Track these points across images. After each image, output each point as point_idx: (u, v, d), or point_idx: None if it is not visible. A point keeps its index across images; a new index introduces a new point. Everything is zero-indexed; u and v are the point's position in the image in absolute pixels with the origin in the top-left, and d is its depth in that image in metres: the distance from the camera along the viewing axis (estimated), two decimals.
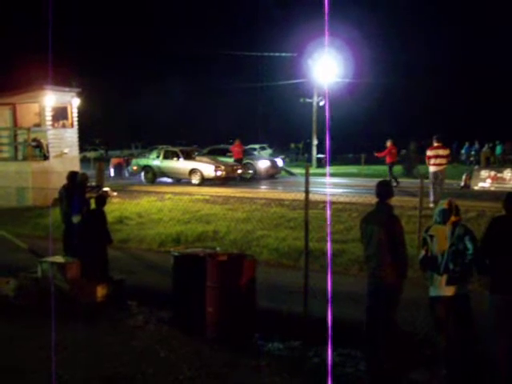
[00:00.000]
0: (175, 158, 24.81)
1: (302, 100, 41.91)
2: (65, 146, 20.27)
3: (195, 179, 23.94)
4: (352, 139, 53.01)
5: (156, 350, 7.12)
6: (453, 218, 5.92)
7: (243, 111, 60.41)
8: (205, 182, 23.69)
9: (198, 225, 14.09)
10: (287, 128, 59.45)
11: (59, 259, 9.44)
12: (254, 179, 26.50)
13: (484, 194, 18.10)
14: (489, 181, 19.98)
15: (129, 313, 8.75)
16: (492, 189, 19.34)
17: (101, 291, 9.06)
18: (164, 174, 25.20)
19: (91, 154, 45.74)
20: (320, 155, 40.50)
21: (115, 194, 18.51)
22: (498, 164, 33.72)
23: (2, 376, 6.41)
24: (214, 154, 27.60)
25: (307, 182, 8.05)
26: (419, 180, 10.82)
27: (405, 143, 31.13)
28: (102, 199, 9.95)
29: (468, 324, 5.85)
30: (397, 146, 23.44)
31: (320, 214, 12.61)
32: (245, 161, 27.05)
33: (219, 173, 23.88)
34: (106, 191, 13.54)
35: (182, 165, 24.52)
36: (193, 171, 24.09)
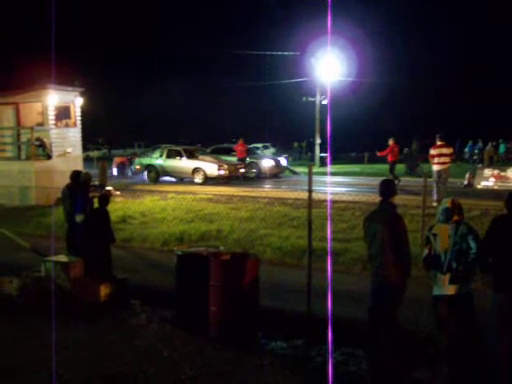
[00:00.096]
0: (178, 157, 24.82)
1: (304, 99, 41.87)
2: (68, 146, 20.30)
3: (198, 178, 23.94)
4: (355, 138, 53.01)
5: (159, 348, 7.12)
6: (455, 217, 5.91)
7: (246, 110, 60.46)
8: (208, 181, 23.69)
9: (202, 224, 14.09)
10: (290, 127, 59.49)
11: (62, 258, 9.45)
12: (257, 178, 26.51)
13: (487, 193, 18.07)
14: (492, 179, 19.95)
15: (132, 312, 8.75)
16: (495, 187, 19.32)
17: (104, 290, 9.06)
18: (167, 173, 25.21)
19: (94, 154, 45.73)
20: (323, 154, 40.48)
21: (118, 193, 18.56)
22: (502, 163, 33.69)
23: (3, 375, 6.42)
24: (217, 153, 27.59)
25: (310, 181, 8.05)
26: (422, 179, 10.81)
27: (407, 142, 31.12)
28: (106, 198, 9.95)
29: (471, 323, 5.84)
30: (399, 144, 23.41)
31: (323, 213, 12.61)
32: (249, 160, 27.06)
33: (222, 172, 23.89)
34: (109, 190, 13.58)
35: (185, 164, 24.52)
36: (196, 170, 24.10)
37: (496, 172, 20.13)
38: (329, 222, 10.92)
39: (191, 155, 25.01)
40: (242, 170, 25.53)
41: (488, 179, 20.06)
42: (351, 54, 38.68)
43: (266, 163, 27.52)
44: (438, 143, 16.20)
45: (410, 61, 56.45)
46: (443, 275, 5.85)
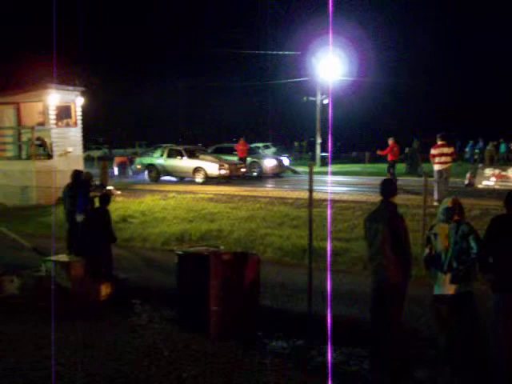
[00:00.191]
0: (179, 157, 24.83)
1: (305, 98, 41.86)
2: (69, 145, 20.30)
3: (199, 178, 23.95)
4: (356, 137, 52.99)
5: (159, 348, 7.12)
6: (456, 217, 5.91)
7: (247, 110, 60.38)
8: (209, 180, 23.69)
9: (202, 223, 14.09)
10: (291, 126, 59.43)
11: (63, 258, 9.46)
12: (260, 178, 26.52)
13: (488, 193, 18.06)
14: (493, 179, 19.92)
15: (132, 311, 8.76)
16: (496, 187, 19.28)
17: (105, 290, 9.07)
18: (168, 172, 25.21)
19: (95, 153, 45.72)
20: (324, 153, 40.47)
21: (119, 192, 18.56)
22: (503, 162, 33.68)
23: (3, 374, 6.42)
24: (219, 152, 27.61)
25: (311, 181, 8.05)
26: (423, 178, 10.81)
27: (408, 141, 31.09)
28: (106, 198, 9.96)
29: (472, 322, 5.84)
30: (400, 144, 23.37)
31: (324, 213, 12.60)
32: (251, 159, 27.09)
33: (223, 171, 23.89)
34: (110, 190, 13.58)
35: (185, 163, 24.53)
36: (197, 170, 24.10)
37: (497, 172, 20.10)
38: (329, 222, 10.92)
39: (192, 155, 25.01)
40: (243, 170, 25.55)
41: (489, 179, 20.03)
42: (352, 53, 38.66)
43: (268, 163, 27.52)
44: (439, 143, 16.20)
45: (411, 60, 56.39)
46: (444, 275, 5.85)
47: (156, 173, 25.23)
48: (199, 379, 6.28)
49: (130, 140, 57.81)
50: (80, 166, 18.50)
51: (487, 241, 5.74)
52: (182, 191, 19.60)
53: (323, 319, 6.59)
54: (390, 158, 22.28)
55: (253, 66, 53.62)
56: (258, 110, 60.86)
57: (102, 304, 8.90)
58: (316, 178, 8.77)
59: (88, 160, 31.34)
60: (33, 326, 7.93)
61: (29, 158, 19.73)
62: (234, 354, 6.93)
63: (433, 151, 16.21)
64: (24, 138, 20.54)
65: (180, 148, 26.13)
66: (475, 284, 5.97)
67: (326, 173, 28.21)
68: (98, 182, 15.20)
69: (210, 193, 18.89)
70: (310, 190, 8.03)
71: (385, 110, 55.60)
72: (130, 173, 28.98)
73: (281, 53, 42.98)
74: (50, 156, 19.65)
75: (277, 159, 28.63)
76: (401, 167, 27.51)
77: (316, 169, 27.11)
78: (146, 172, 25.51)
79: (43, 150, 19.81)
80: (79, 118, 21.07)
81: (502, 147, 38.73)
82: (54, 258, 9.35)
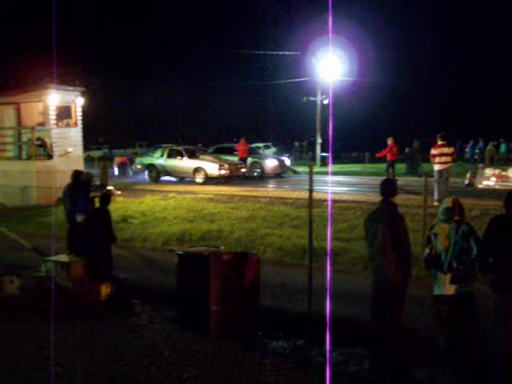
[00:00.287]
0: (179, 157, 24.84)
1: (305, 98, 41.88)
2: (69, 145, 20.31)
3: (199, 178, 23.96)
4: (356, 137, 52.98)
5: (160, 348, 7.12)
6: (456, 217, 5.90)
7: (247, 110, 60.39)
8: (209, 180, 23.69)
9: (202, 223, 14.09)
10: (291, 126, 59.43)
11: (63, 258, 9.46)
12: (261, 178, 26.52)
13: (488, 193, 18.05)
14: (493, 179, 19.91)
15: (132, 311, 8.76)
16: (496, 187, 19.27)
17: (105, 290, 9.07)
18: (168, 172, 25.23)
19: (95, 153, 45.73)
20: (324, 154, 40.49)
21: (119, 192, 18.55)
22: (503, 162, 33.67)
23: (3, 374, 6.42)
24: (220, 152, 27.64)
25: (311, 181, 8.05)
26: (423, 178, 10.81)
27: (408, 141, 31.11)
28: (107, 198, 9.96)
29: (472, 322, 5.84)
30: (401, 144, 23.37)
31: (324, 213, 12.60)
32: (252, 160, 27.09)
33: (223, 171, 23.90)
34: (110, 190, 13.55)
35: (186, 163, 24.54)
36: (197, 170, 24.11)
37: (497, 172, 20.09)
38: (329, 222, 10.91)
39: (192, 155, 25.02)
40: (243, 170, 25.56)
41: (489, 179, 20.02)
42: (352, 53, 38.67)
43: (270, 163, 27.51)
44: (439, 143, 16.21)
45: (411, 60, 56.37)
46: (444, 275, 5.85)
47: (156, 173, 25.24)
48: (199, 379, 6.28)
49: (130, 140, 57.83)
50: (80, 166, 18.50)
51: (486, 241, 5.74)
52: (182, 191, 19.61)
53: (323, 319, 6.58)
54: (389, 157, 22.30)
55: (253, 66, 53.66)
56: (258, 110, 60.89)
57: (102, 304, 8.89)
58: (316, 178, 8.77)
59: (88, 160, 31.36)
60: (33, 326, 7.93)
61: (29, 158, 19.74)
62: (234, 354, 6.93)
63: (433, 151, 16.22)
64: (24, 138, 20.56)
65: (180, 148, 26.15)
66: (475, 284, 5.97)
67: (326, 173, 28.23)
68: (98, 182, 15.20)
69: (210, 193, 18.89)
70: (310, 190, 8.03)
71: (385, 110, 55.61)
72: (131, 173, 29.00)
73: (281, 53, 43.06)
74: (50, 156, 19.65)
75: (278, 159, 28.61)
76: (401, 167, 27.52)
77: (316, 169, 27.11)
78: (146, 172, 25.52)
79: (43, 150, 19.82)
80: (79, 118, 21.07)
81: (503, 147, 38.73)
82: (54, 258, 9.35)
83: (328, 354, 6.46)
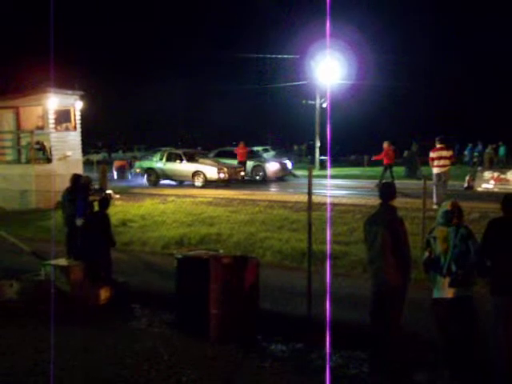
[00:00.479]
0: (178, 161, 24.85)
1: (304, 102, 41.90)
2: (68, 149, 20.32)
3: (198, 181, 23.96)
4: (355, 141, 52.98)
5: (159, 352, 7.11)
6: (456, 220, 5.91)
7: (246, 113, 60.46)
8: (208, 184, 23.68)
9: (202, 227, 14.09)
10: (290, 130, 59.47)
11: (62, 262, 9.46)
12: (263, 181, 26.51)
13: (487, 196, 18.07)
14: (492, 182, 19.94)
15: (132, 315, 8.75)
16: (495, 190, 19.30)
17: (104, 294, 9.07)
18: (167, 176, 25.23)
19: (94, 157, 45.73)
20: (323, 157, 40.50)
21: (118, 196, 18.57)
22: (502, 165, 33.67)
23: (2, 379, 6.41)
24: (222, 156, 27.67)
25: (310, 184, 8.06)
26: (422, 181, 10.82)
27: (407, 144, 31.11)
28: (106, 202, 9.95)
29: (471, 325, 5.84)
30: (399, 147, 23.36)
31: (323, 216, 12.59)
32: (254, 163, 27.10)
33: (222, 175, 23.91)
34: (109, 194, 13.56)
35: (185, 167, 24.54)
36: (196, 173, 24.12)
37: (496, 174, 20.12)
38: (328, 225, 10.92)
39: (191, 158, 25.02)
40: (242, 173, 25.56)
41: (488, 182, 20.05)
42: (351, 56, 38.72)
43: (272, 166, 27.47)
44: (438, 146, 16.22)
45: (410, 63, 56.48)
46: (443, 278, 5.86)
47: (155, 176, 25.25)
48: (199, 383, 6.28)
49: (128, 144, 57.84)
50: (79, 170, 18.50)
51: (485, 244, 5.74)
52: (181, 195, 19.60)
53: (322, 322, 6.59)
54: (385, 161, 22.28)
55: (252, 69, 53.74)
56: (257, 113, 60.96)
57: (102, 308, 8.89)
58: (315, 181, 8.79)
59: (87, 164, 31.34)
60: (32, 330, 7.92)
61: (28, 162, 19.75)
62: (233, 357, 6.93)
63: (432, 154, 16.23)
64: (23, 142, 20.57)
65: (179, 152, 26.16)
66: (474, 287, 5.98)
67: (325, 176, 28.20)
68: (97, 186, 15.20)
69: (209, 196, 18.89)
70: (309, 194, 8.04)
71: (384, 113, 55.69)
72: (130, 177, 29.01)
73: (280, 56, 43.13)
74: (49, 160, 19.66)
75: (280, 163, 28.48)
76: (400, 170, 27.52)
77: (315, 172, 27.12)
78: (145, 176, 25.52)
79: (42, 154, 19.83)
80: (78, 121, 21.09)
81: (501, 150, 38.73)
82: (53, 261, 9.36)
83: (327, 358, 6.46)
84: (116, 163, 31.80)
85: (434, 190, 15.72)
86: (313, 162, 40.74)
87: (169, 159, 25.17)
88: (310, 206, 8.02)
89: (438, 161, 16.00)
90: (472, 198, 16.95)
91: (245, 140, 28.17)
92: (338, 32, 32.29)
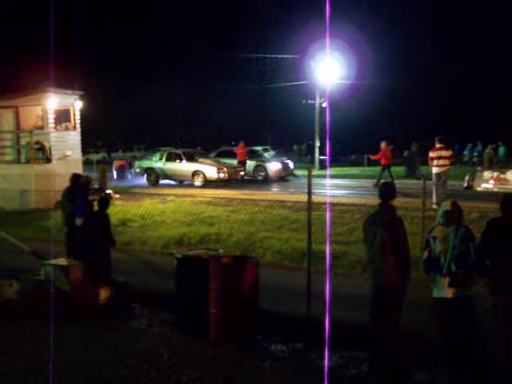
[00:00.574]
0: (178, 160, 24.85)
1: (304, 102, 41.90)
2: (67, 149, 20.32)
3: (198, 181, 23.97)
4: (355, 140, 53.00)
5: (159, 352, 7.12)
6: (455, 220, 5.91)
7: (246, 113, 60.48)
8: (207, 184, 23.68)
9: (201, 227, 14.08)
10: (289, 130, 59.49)
11: (62, 261, 9.46)
12: (265, 181, 26.50)
13: (487, 195, 18.06)
14: (492, 182, 19.93)
15: (132, 315, 8.75)
16: (495, 190, 19.29)
17: (104, 293, 9.07)
18: (167, 176, 25.23)
19: (94, 157, 45.72)
20: (322, 157, 40.49)
21: (117, 196, 18.57)
22: (501, 165, 33.68)
23: (2, 379, 6.42)
24: (223, 155, 27.69)
25: (310, 184, 8.06)
26: (422, 181, 10.82)
27: (407, 144, 31.12)
28: (105, 201, 9.96)
29: (470, 325, 5.85)
30: (399, 147, 23.36)
31: (323, 216, 12.58)
32: (256, 163, 27.10)
33: (222, 175, 23.91)
34: (109, 193, 13.56)
35: (184, 167, 24.55)
36: (195, 173, 24.12)
37: (496, 174, 20.11)
38: (327, 225, 10.92)
39: (191, 158, 25.03)
40: (242, 173, 25.57)
41: (488, 181, 20.05)
42: (351, 56, 38.71)
43: (274, 166, 27.44)
44: (437, 146, 16.23)
45: (409, 63, 56.48)
46: (443, 278, 5.86)
47: (155, 176, 25.26)
48: (199, 383, 6.28)
49: (128, 143, 57.84)
50: (79, 170, 18.50)
51: (484, 244, 5.75)
52: (180, 195, 19.60)
53: (322, 322, 6.59)
54: (383, 161, 22.28)
55: (252, 69, 53.73)
56: (257, 113, 60.96)
57: (101, 308, 8.90)
58: (315, 181, 8.79)
59: (87, 164, 31.34)
60: (32, 330, 7.93)
61: (28, 161, 19.75)
62: (233, 357, 6.94)
63: (431, 154, 16.23)
64: (23, 141, 20.55)
65: (179, 151, 26.17)
66: (474, 287, 5.98)
67: (325, 176, 28.19)
68: (96, 186, 15.20)
69: (208, 196, 18.88)
70: (309, 193, 8.04)
71: (383, 112, 55.71)
72: (129, 176, 29.01)
73: (280, 56, 43.11)
74: (48, 160, 19.66)
75: (282, 162, 28.43)
76: (400, 170, 27.53)
77: (315, 172, 27.09)
78: (145, 175, 25.53)
79: (42, 153, 19.83)
80: (78, 121, 21.09)
81: (501, 150, 38.73)
82: (53, 261, 9.35)
83: (327, 357, 6.46)
84: (116, 163, 31.79)
85: (434, 190, 15.73)
86: (312, 161, 40.72)
87: (168, 159, 25.17)
88: (310, 205, 8.02)
89: (438, 160, 16.00)
90: (471, 197, 16.95)
91: (245, 140, 28.17)
92: (338, 32, 32.24)
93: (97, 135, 53.45)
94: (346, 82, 39.86)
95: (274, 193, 21.73)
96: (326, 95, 39.62)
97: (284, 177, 27.94)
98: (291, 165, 29.45)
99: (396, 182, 20.84)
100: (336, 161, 43.61)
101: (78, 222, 10.32)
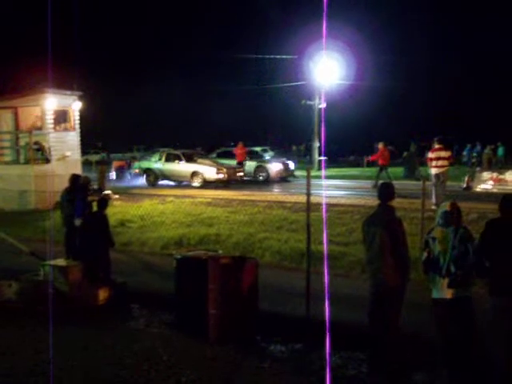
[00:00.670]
0: (177, 161, 24.86)
1: (303, 102, 41.88)
2: (66, 149, 20.30)
3: (197, 182, 23.97)
4: (354, 141, 53.03)
5: (158, 352, 7.11)
6: (455, 221, 5.91)
7: (244, 114, 60.51)
8: (207, 184, 23.67)
9: (201, 228, 14.08)
10: (288, 130, 59.53)
11: (61, 262, 9.46)
12: (266, 181, 26.50)
13: (486, 196, 18.08)
14: (491, 182, 19.96)
15: (131, 316, 8.75)
16: (494, 190, 19.32)
17: (103, 294, 9.07)
18: (166, 176, 25.24)
19: (93, 157, 45.68)
20: (321, 157, 40.48)
21: (117, 196, 18.56)
22: (500, 166, 33.71)
23: (2, 380, 6.42)
24: (223, 156, 27.75)
25: (308, 185, 8.06)
26: (421, 182, 10.84)
27: (406, 145, 31.15)
28: (104, 202, 9.95)
29: (470, 326, 5.85)
30: (398, 147, 23.40)
31: (321, 217, 12.60)
32: (257, 163, 27.10)
33: (221, 175, 23.92)
34: (108, 194, 13.56)
35: (183, 167, 24.56)
36: (194, 174, 24.13)
37: (495, 175, 20.15)
38: (325, 226, 10.92)
39: (190, 159, 25.04)
40: (241, 174, 25.58)
41: (487, 182, 20.08)
42: (349, 57, 38.70)
43: (275, 167, 27.42)
44: (436, 146, 16.25)
45: (409, 64, 56.54)
46: (442, 279, 5.86)
47: (154, 177, 25.27)
48: (198, 383, 6.28)
49: (128, 144, 57.80)
50: (78, 171, 18.48)
51: (483, 245, 5.75)
52: (180, 195, 19.60)
53: (321, 323, 6.59)
54: (380, 162, 22.29)
55: (250, 69, 53.74)
56: (256, 113, 60.99)
57: (100, 308, 8.89)
58: (314, 181, 8.79)
59: (86, 164, 31.32)
60: (31, 331, 7.93)
61: (27, 162, 19.72)
62: (232, 357, 6.94)
63: (430, 155, 16.25)
64: (22, 142, 20.52)
65: (178, 152, 26.17)
66: (473, 287, 5.99)
67: (324, 176, 28.21)
68: (96, 187, 15.21)
69: (208, 197, 18.88)
70: (308, 194, 8.04)
71: (382, 113, 55.75)
72: (128, 177, 29.00)
73: (278, 57, 43.05)
74: (47, 160, 19.64)
75: (283, 163, 28.39)
76: (399, 171, 27.54)
77: (314, 173, 27.12)
78: (144, 176, 25.53)
79: (41, 154, 19.81)
80: (77, 122, 21.07)
81: (500, 151, 38.75)
82: (51, 262, 9.35)
83: (327, 358, 6.46)
84: (115, 164, 31.80)
85: (433, 191, 15.75)
86: (311, 162, 40.72)
87: (167, 160, 25.19)
88: (309, 206, 8.02)
89: (437, 161, 16.02)
90: (471, 198, 16.97)
91: (243, 140, 28.18)
92: (337, 32, 32.31)
93: (96, 136, 53.40)
94: (345, 82, 39.86)
95: (274, 193, 21.73)
96: (325, 96, 39.58)
97: (285, 177, 27.91)
98: (292, 165, 29.45)
99: (395, 182, 20.78)
100: (335, 161, 43.61)
101: (77, 222, 10.32)
